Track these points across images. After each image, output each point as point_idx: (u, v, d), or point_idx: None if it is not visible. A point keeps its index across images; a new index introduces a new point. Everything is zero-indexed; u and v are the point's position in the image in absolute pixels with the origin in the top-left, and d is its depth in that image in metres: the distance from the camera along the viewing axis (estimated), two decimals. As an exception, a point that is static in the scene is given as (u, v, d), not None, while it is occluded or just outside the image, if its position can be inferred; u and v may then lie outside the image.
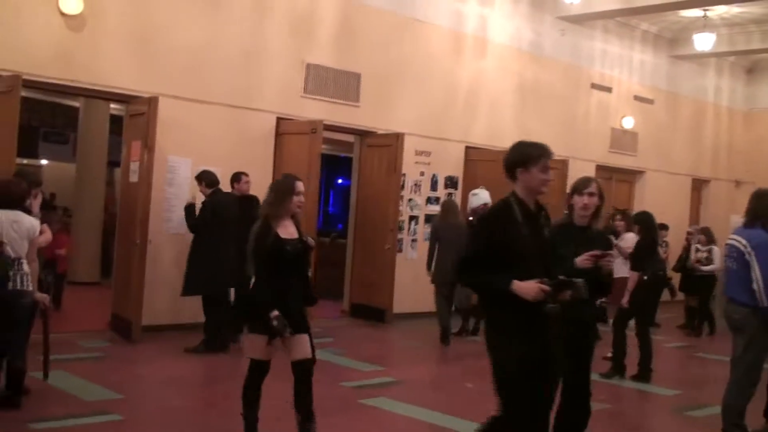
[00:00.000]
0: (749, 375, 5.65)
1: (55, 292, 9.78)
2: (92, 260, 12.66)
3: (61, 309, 10.00)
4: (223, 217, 8.20)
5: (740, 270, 5.60)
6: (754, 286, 5.47)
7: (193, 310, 8.76)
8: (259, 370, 4.97)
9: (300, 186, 5.05)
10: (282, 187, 5.04)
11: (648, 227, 8.45)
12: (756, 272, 5.49)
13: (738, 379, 5.72)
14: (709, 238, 11.90)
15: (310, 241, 5.16)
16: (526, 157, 4.03)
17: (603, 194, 4.77)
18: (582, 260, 4.44)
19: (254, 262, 4.85)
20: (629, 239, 9.18)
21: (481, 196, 9.92)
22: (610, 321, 8.56)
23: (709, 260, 11.68)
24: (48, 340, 6.10)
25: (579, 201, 4.72)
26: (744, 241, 5.60)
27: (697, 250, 11.74)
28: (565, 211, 4.93)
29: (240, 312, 4.85)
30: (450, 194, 12.15)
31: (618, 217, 9.98)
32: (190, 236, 8.83)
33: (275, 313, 4.68)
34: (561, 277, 3.86)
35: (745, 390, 5.67)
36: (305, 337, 4.92)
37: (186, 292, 8.28)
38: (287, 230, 4.92)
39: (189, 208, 8.40)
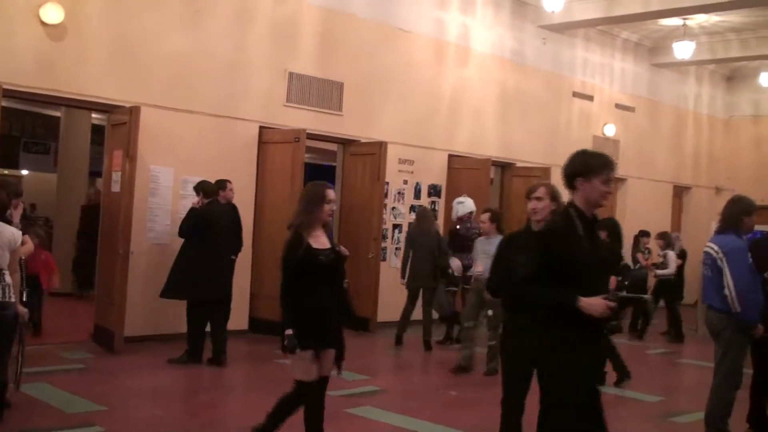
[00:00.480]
0: (728, 380, 5.69)
1: (35, 314, 8.63)
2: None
3: (41, 332, 8.99)
4: (220, 227, 8.20)
5: (715, 276, 5.66)
6: (726, 292, 5.53)
7: (175, 320, 8.72)
8: (312, 391, 4.70)
9: (331, 194, 4.85)
10: (313, 196, 4.84)
11: (612, 233, 8.42)
12: (727, 278, 5.54)
13: (718, 385, 5.76)
14: (666, 242, 12.08)
15: (344, 250, 4.97)
16: (589, 167, 3.91)
17: (558, 198, 4.72)
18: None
19: (285, 275, 4.65)
20: None
21: (467, 204, 9.99)
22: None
23: (663, 265, 11.88)
24: (24, 353, 6.05)
25: (528, 206, 4.75)
26: (716, 248, 5.67)
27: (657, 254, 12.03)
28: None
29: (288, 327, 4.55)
30: (433, 202, 12.18)
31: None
32: (173, 246, 8.80)
33: (289, 331, 4.52)
34: (625, 294, 3.81)
35: (725, 395, 5.70)
36: (331, 353, 4.74)
37: (165, 294, 8.21)
38: (319, 240, 4.74)
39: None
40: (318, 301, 4.63)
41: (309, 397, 4.71)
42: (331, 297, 4.71)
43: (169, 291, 8.19)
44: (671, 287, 11.94)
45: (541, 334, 3.93)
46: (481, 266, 7.96)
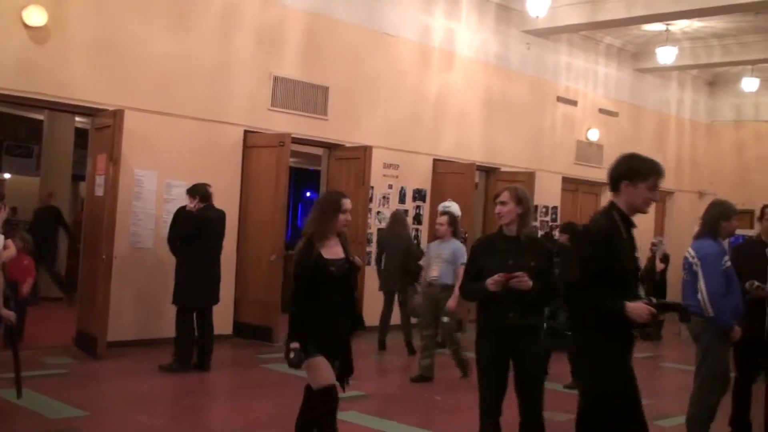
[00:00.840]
0: (709, 384, 5.71)
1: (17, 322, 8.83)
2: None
3: (22, 338, 8.50)
4: (217, 231, 8.18)
5: (692, 281, 5.70)
6: (699, 296, 5.57)
7: (157, 325, 8.68)
8: (330, 397, 4.49)
9: (347, 203, 4.68)
10: (328, 205, 4.70)
11: (572, 238, 8.44)
12: (701, 283, 5.58)
13: (699, 389, 5.79)
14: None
15: (358, 260, 4.84)
16: (636, 171, 3.89)
17: (523, 201, 4.69)
18: (491, 283, 4.46)
19: (294, 283, 4.54)
20: None
21: (454, 209, 10.03)
22: None
23: None
24: (18, 358, 5.99)
25: (497, 209, 4.72)
26: (693, 253, 5.73)
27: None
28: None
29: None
30: (418, 207, 12.20)
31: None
32: (157, 250, 8.76)
33: (295, 344, 4.38)
34: (663, 300, 3.80)
35: (706, 399, 5.72)
36: (334, 366, 4.57)
37: (178, 301, 8.16)
38: (332, 250, 4.61)
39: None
40: (327, 311, 4.51)
41: (332, 403, 4.49)
42: (341, 307, 4.59)
43: (184, 297, 8.11)
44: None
45: (576, 338, 3.91)
46: (436, 271, 7.95)
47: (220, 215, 8.32)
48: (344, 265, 4.61)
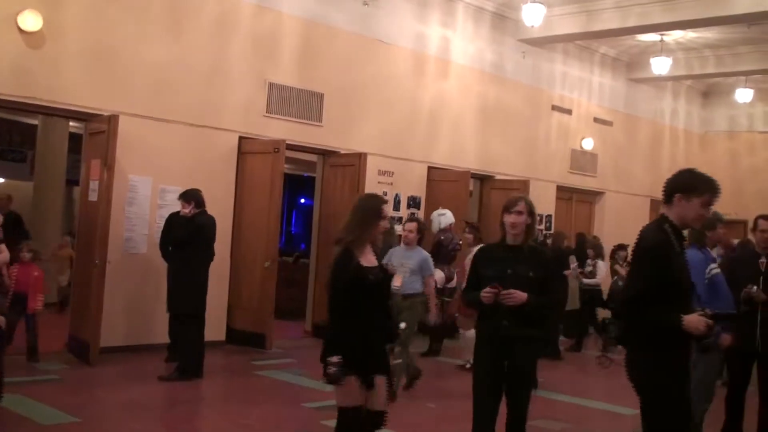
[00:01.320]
0: (699, 392, 5.71)
1: (29, 339, 8.23)
2: (49, 281, 12.40)
3: (38, 360, 8.28)
4: (210, 238, 8.17)
5: None
6: None
7: (149, 331, 8.65)
8: (353, 418, 4.22)
9: (386, 209, 4.50)
10: (369, 210, 4.49)
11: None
12: None
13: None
14: (597, 252, 12.18)
15: (391, 267, 4.68)
16: (692, 186, 3.88)
17: (533, 213, 4.72)
18: (483, 295, 4.48)
19: (332, 294, 4.32)
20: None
21: (449, 216, 10.09)
22: None
23: (592, 274, 11.95)
24: (3, 362, 5.97)
25: (507, 219, 4.66)
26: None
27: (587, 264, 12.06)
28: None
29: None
30: (413, 214, 12.19)
31: (467, 230, 9.76)
32: (151, 256, 8.73)
33: (336, 358, 4.12)
34: (717, 311, 3.75)
35: (696, 407, 5.72)
36: (382, 381, 4.32)
37: (176, 309, 8.11)
38: (367, 257, 4.42)
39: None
40: (367, 323, 4.29)
41: (355, 425, 4.24)
42: (379, 318, 4.38)
43: (186, 305, 8.04)
44: (591, 296, 11.94)
45: (633, 352, 3.89)
46: (399, 280, 7.32)
47: (213, 221, 8.30)
48: (380, 274, 4.43)
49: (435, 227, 10.32)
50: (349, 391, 4.19)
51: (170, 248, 8.30)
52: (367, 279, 4.30)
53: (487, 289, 4.46)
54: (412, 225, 7.81)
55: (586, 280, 11.86)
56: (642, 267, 3.88)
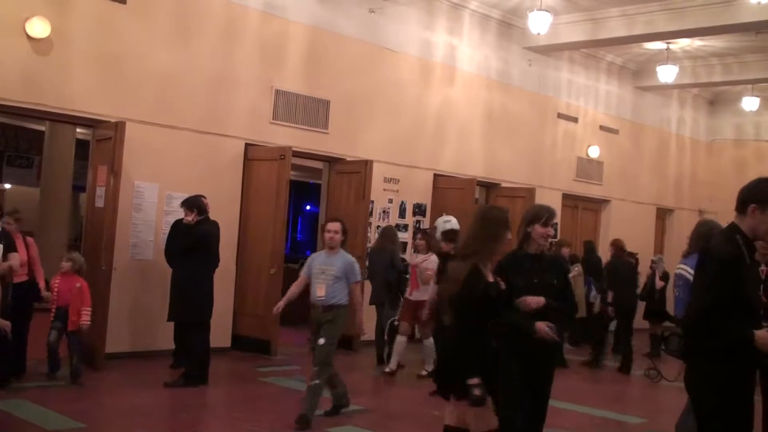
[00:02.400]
0: None
1: (71, 359, 7.62)
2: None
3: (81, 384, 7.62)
4: (214, 246, 8.17)
5: (685, 298, 5.73)
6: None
7: (156, 337, 8.65)
8: None
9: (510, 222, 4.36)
10: (497, 222, 4.35)
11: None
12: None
13: (689, 404, 5.76)
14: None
15: (501, 283, 4.48)
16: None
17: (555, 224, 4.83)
18: (531, 302, 4.48)
19: (462, 312, 4.16)
20: (433, 261, 8.85)
21: (454, 223, 10.05)
22: None
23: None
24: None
25: (543, 231, 4.64)
26: (687, 269, 5.77)
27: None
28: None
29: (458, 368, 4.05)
30: (418, 221, 12.20)
31: (419, 236, 9.68)
32: (157, 262, 8.73)
33: (476, 379, 4.01)
34: None
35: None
36: (488, 400, 4.19)
37: (182, 318, 8.10)
38: (488, 272, 4.30)
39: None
40: (489, 340, 4.20)
41: None
42: (491, 334, 4.28)
43: (192, 314, 8.02)
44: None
45: (696, 364, 3.80)
46: (322, 290, 6.60)
47: (216, 228, 8.30)
48: (498, 289, 4.31)
49: (438, 234, 10.28)
50: (489, 414, 4.11)
51: (174, 256, 8.29)
52: (495, 295, 4.20)
53: (533, 298, 4.48)
54: (336, 225, 6.74)
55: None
56: (714, 279, 3.72)
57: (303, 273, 6.90)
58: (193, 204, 8.11)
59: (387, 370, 9.28)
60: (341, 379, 6.93)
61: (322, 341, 6.54)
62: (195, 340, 8.01)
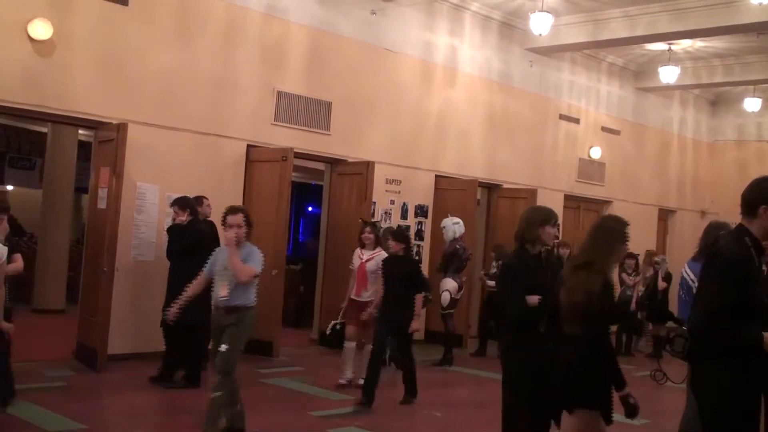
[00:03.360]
0: None
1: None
2: (58, 287, 12.47)
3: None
4: (206, 246, 8.06)
5: (689, 301, 5.74)
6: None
7: (158, 338, 8.64)
8: None
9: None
10: (615, 233, 4.35)
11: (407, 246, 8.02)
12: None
13: (692, 405, 5.75)
14: (498, 255, 11.96)
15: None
16: None
17: None
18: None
19: (593, 324, 4.13)
20: (380, 260, 8.21)
21: (462, 225, 10.08)
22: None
23: (495, 276, 11.58)
24: (11, 369, 5.98)
25: (551, 232, 4.72)
26: (692, 275, 5.78)
27: (492, 266, 11.52)
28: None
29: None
30: (420, 223, 12.20)
31: (367, 229, 8.63)
32: (159, 263, 8.73)
33: (628, 390, 4.10)
34: None
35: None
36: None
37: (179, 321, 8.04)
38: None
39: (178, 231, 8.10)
40: (610, 349, 4.29)
41: None
42: None
43: (189, 316, 7.94)
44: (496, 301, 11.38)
45: (703, 367, 3.80)
46: (225, 289, 5.92)
47: (211, 228, 8.24)
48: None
49: (449, 236, 10.26)
50: (589, 428, 4.15)
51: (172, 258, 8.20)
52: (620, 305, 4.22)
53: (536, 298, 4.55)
54: (237, 218, 5.97)
55: (491, 282, 11.04)
56: (723, 281, 3.69)
57: (205, 270, 6.17)
58: (186, 204, 8.05)
59: (341, 382, 8.33)
60: (241, 397, 5.97)
61: (224, 348, 5.81)
62: (190, 343, 7.93)
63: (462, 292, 10.30)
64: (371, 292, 8.30)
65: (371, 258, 8.42)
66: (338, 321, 8.51)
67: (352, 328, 8.39)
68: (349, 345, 8.44)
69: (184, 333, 7.95)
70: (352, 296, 8.45)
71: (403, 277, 7.69)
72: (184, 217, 8.03)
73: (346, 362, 8.45)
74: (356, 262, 8.55)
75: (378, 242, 8.57)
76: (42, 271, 12.23)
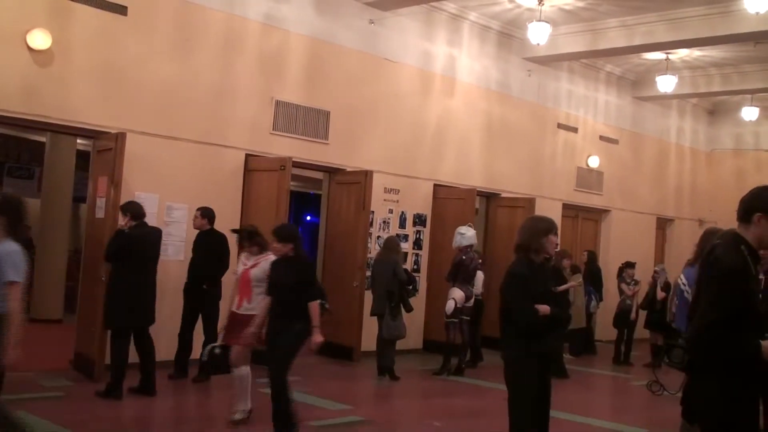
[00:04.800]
0: None
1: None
2: (55, 297, 12.45)
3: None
4: (149, 250, 7.94)
5: (683, 306, 5.85)
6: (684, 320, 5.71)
7: (156, 347, 8.64)
8: None
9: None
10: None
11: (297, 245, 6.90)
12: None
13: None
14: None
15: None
16: None
17: None
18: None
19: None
20: (267, 265, 6.82)
21: (473, 235, 10.05)
22: None
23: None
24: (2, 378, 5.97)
25: (554, 240, 4.90)
26: (684, 280, 5.87)
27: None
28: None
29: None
30: (418, 232, 12.21)
31: (240, 237, 7.57)
32: (158, 273, 8.72)
33: None
34: None
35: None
36: None
37: (108, 325, 7.91)
38: None
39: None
40: None
41: None
42: None
43: (110, 321, 7.83)
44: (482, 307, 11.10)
45: (702, 377, 3.77)
46: None
47: (153, 232, 8.12)
48: None
49: (458, 244, 10.22)
50: None
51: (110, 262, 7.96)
52: None
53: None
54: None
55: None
56: (721, 291, 3.66)
57: None
58: (125, 209, 7.87)
59: (234, 417, 6.88)
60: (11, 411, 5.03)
61: None
62: (113, 348, 7.78)
63: (472, 300, 10.27)
64: (255, 304, 6.75)
65: (257, 263, 6.96)
66: (217, 344, 6.95)
67: (238, 348, 6.79)
68: (240, 372, 6.83)
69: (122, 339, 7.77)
70: (233, 309, 6.94)
71: (293, 283, 6.35)
72: (123, 222, 7.80)
73: (239, 393, 6.90)
74: (240, 268, 7.10)
75: (265, 245, 7.04)
76: (40, 280, 12.21)
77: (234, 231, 7.81)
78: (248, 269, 6.97)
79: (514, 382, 4.79)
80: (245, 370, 6.82)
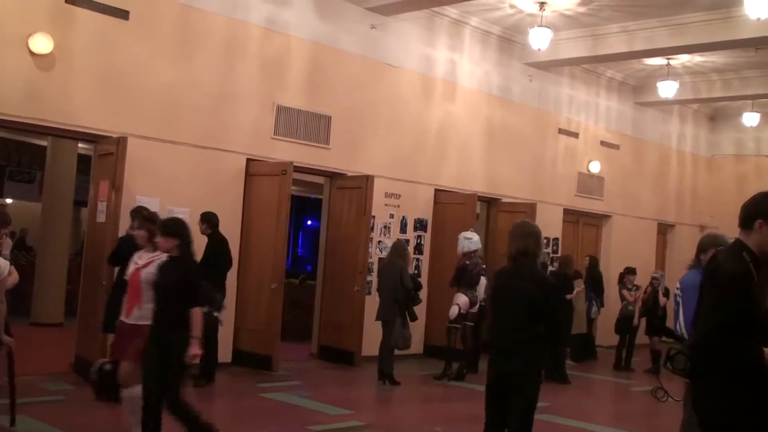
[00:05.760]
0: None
1: None
2: (56, 301, 12.45)
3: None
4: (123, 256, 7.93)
5: (678, 311, 5.92)
6: (677, 326, 5.79)
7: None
8: None
9: None
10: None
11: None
12: (680, 312, 5.82)
13: (688, 417, 5.75)
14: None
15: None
16: None
17: None
18: None
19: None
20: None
21: (476, 242, 10.03)
22: None
23: None
24: (14, 384, 5.97)
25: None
26: (678, 285, 5.94)
27: None
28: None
29: None
30: (419, 237, 12.20)
31: (135, 224, 6.93)
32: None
33: None
34: None
35: (694, 427, 5.67)
36: None
37: (108, 328, 7.71)
38: None
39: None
40: None
41: None
42: None
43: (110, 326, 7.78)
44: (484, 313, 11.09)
45: (704, 384, 3.72)
46: None
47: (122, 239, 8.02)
48: None
49: (463, 249, 10.20)
50: None
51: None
52: None
53: None
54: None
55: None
56: (724, 297, 3.64)
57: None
58: (133, 215, 7.73)
59: None
60: None
61: None
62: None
63: (477, 306, 10.24)
64: (146, 312, 5.65)
65: (150, 263, 5.87)
66: (107, 360, 6.38)
67: (128, 365, 5.80)
68: (129, 392, 5.79)
69: None
70: (121, 318, 5.94)
71: (173, 285, 5.42)
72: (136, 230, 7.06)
73: (132, 418, 5.83)
74: (130, 268, 6.04)
75: (152, 237, 5.96)
76: (41, 284, 12.21)
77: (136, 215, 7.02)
78: (139, 269, 5.88)
79: (535, 397, 4.91)
80: (137, 390, 5.59)
